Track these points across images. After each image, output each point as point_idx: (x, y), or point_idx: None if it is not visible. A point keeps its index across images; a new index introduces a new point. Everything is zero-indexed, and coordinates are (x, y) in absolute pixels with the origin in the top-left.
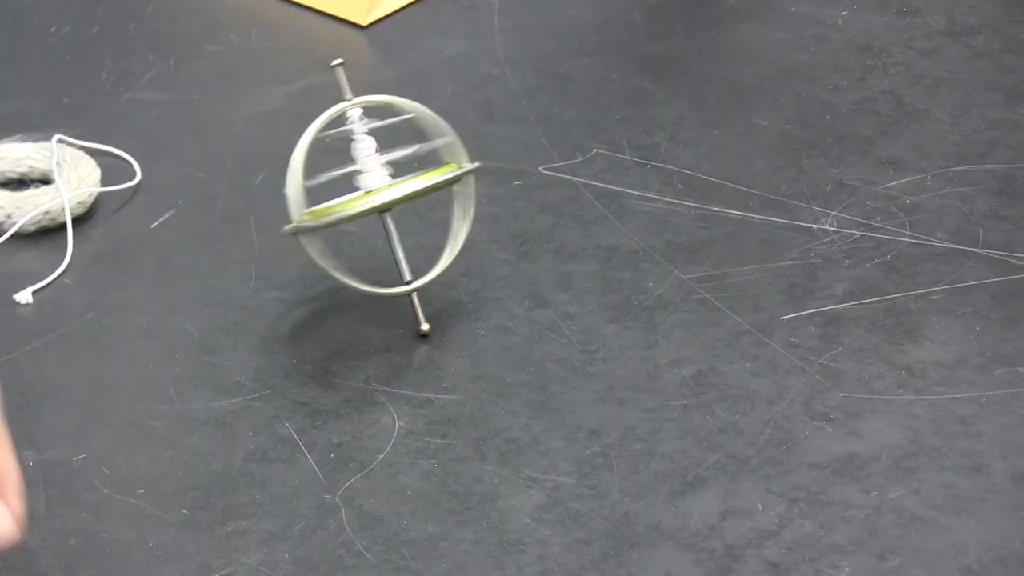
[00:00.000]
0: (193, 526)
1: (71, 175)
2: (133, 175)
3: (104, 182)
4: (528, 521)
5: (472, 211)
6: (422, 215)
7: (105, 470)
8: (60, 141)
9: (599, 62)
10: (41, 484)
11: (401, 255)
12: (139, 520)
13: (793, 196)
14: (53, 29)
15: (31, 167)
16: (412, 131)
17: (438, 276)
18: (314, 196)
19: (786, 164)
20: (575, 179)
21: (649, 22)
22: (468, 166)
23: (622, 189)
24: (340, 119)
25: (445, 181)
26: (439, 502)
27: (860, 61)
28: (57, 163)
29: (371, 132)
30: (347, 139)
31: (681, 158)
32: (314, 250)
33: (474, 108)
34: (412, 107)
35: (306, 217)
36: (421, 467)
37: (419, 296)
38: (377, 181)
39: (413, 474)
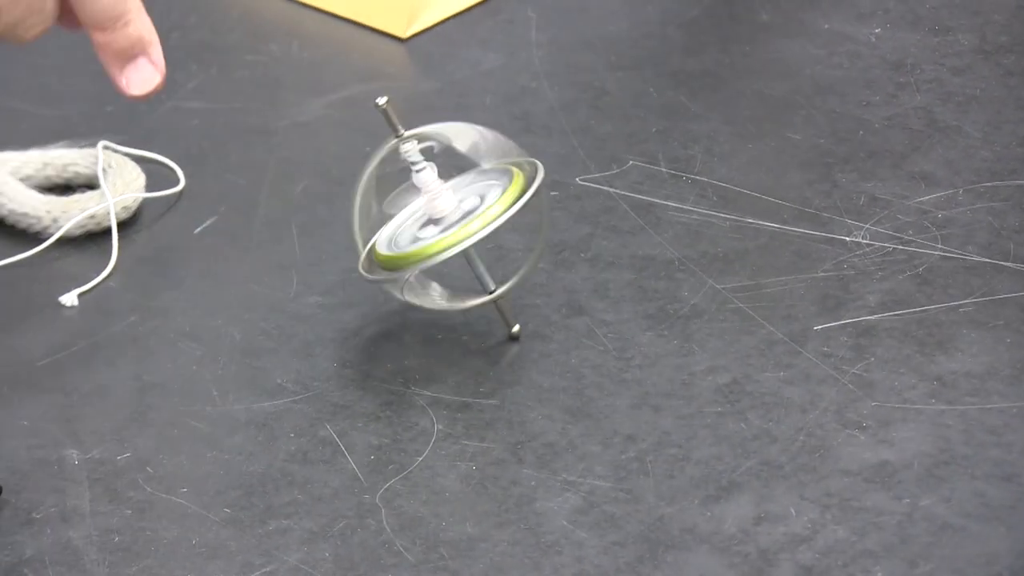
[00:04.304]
0: (235, 524)
1: (116, 180)
2: (177, 181)
3: (148, 188)
4: (564, 523)
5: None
6: None
7: (149, 469)
8: (105, 147)
9: (635, 76)
10: (86, 482)
11: (482, 268)
12: (182, 518)
13: (826, 209)
14: None
15: (77, 172)
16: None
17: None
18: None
19: (819, 178)
20: (611, 190)
21: (684, 37)
22: (537, 173)
23: (658, 200)
24: (394, 153)
25: (523, 204)
26: (477, 504)
27: (892, 78)
28: (103, 169)
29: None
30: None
31: (716, 171)
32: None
33: (512, 120)
34: (460, 129)
35: (384, 256)
36: (459, 469)
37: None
38: (447, 205)
39: (451, 476)
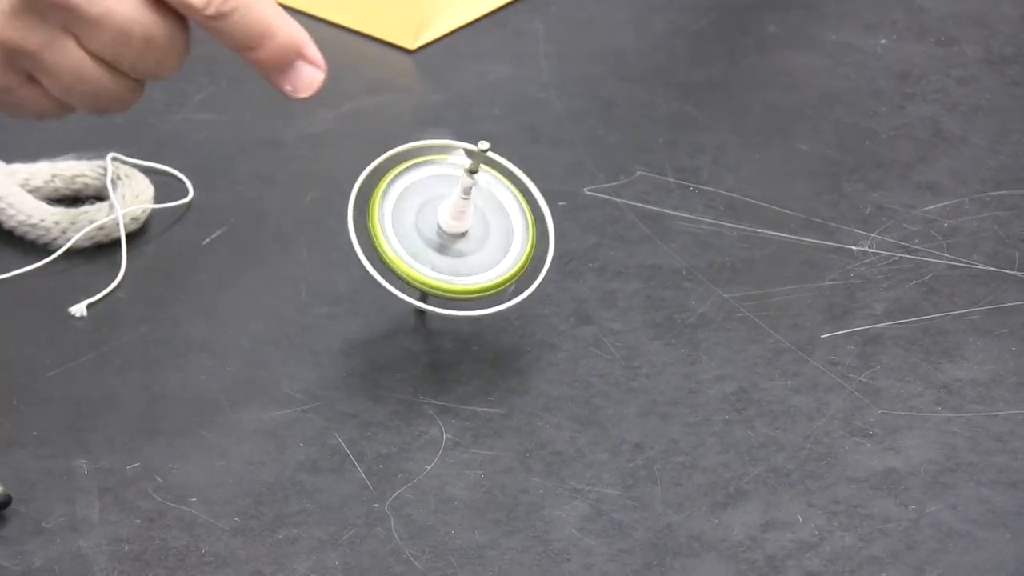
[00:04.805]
0: (245, 533)
1: (125, 192)
2: (186, 193)
3: (157, 199)
4: (573, 531)
5: None
6: None
7: (158, 478)
8: (114, 159)
9: (643, 87)
10: (95, 491)
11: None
12: (192, 527)
13: (833, 219)
14: None
15: (85, 184)
16: None
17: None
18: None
19: (826, 188)
20: (619, 200)
21: (692, 49)
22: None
23: (665, 210)
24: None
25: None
26: (485, 512)
27: (899, 88)
28: (111, 180)
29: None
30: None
31: (723, 181)
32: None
33: (520, 131)
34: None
35: (421, 281)
36: (468, 478)
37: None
38: (466, 227)
39: (460, 485)
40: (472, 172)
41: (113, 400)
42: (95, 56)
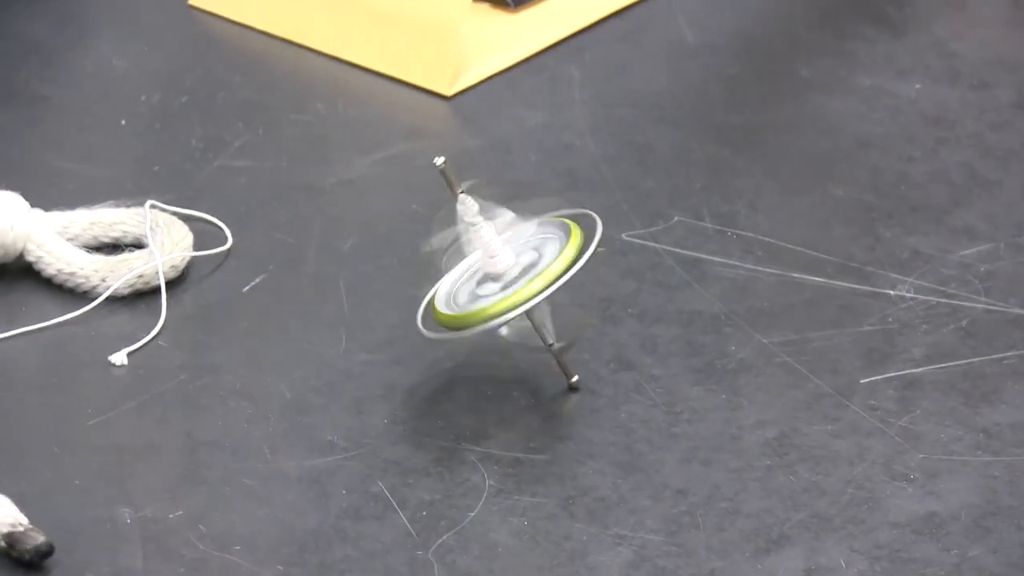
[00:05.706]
0: None
1: (164, 239)
2: (224, 240)
3: (196, 247)
4: None
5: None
6: None
7: (201, 527)
8: (153, 206)
9: (678, 132)
10: (138, 540)
11: (544, 321)
12: None
13: (870, 263)
14: (143, 98)
15: (124, 231)
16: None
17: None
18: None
19: (863, 232)
20: (657, 246)
21: (726, 93)
22: (596, 227)
23: (703, 255)
24: (451, 215)
25: (583, 263)
26: (529, 559)
27: (933, 133)
28: (151, 228)
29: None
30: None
31: (760, 225)
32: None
33: (557, 176)
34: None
35: (445, 316)
36: (511, 525)
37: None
38: (505, 262)
39: (504, 531)
40: (456, 197)
41: (154, 448)
42: None
